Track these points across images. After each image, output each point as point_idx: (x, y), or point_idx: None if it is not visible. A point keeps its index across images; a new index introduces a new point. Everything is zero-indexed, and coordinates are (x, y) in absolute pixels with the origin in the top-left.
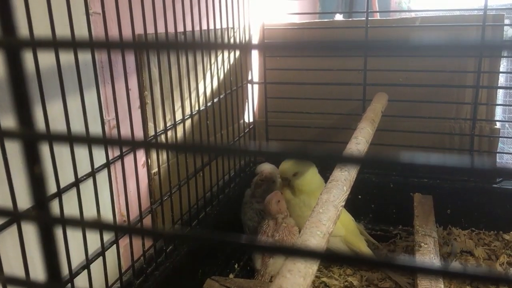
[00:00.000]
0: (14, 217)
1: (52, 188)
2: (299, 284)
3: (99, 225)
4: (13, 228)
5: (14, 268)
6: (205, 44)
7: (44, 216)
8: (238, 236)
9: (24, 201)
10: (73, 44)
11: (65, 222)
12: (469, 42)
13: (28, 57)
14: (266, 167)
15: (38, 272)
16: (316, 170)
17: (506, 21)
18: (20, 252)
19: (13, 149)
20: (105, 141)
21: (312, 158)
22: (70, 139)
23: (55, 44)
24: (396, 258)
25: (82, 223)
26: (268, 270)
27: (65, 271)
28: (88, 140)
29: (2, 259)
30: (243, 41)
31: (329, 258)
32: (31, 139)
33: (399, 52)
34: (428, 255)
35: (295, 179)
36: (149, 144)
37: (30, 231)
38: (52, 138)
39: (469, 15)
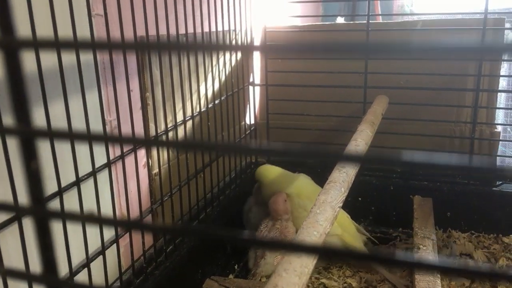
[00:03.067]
0: (12, 211)
1: (53, 187)
2: (294, 283)
3: (94, 219)
4: (14, 228)
5: (14, 266)
6: (206, 45)
7: (40, 210)
8: (237, 232)
9: (25, 200)
10: (75, 45)
11: (61, 215)
12: (469, 44)
13: (30, 58)
14: None
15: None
16: (307, 179)
17: (507, 25)
18: (20, 252)
19: (14, 148)
20: (106, 138)
21: (311, 157)
22: (67, 135)
23: (56, 44)
24: (390, 253)
25: (76, 217)
26: (259, 271)
27: (65, 269)
28: (89, 137)
29: (3, 259)
30: (245, 43)
31: (322, 252)
32: (28, 135)
33: (400, 54)
34: (425, 256)
35: (261, 186)
36: (149, 141)
37: (30, 230)
38: (48, 134)
39: (470, 18)
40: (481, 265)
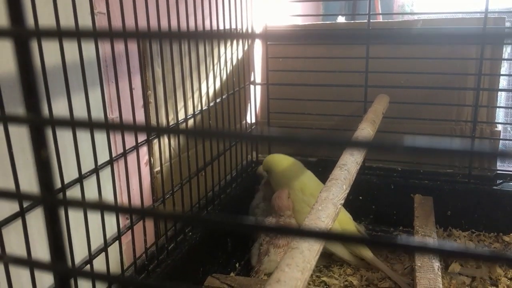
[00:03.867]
0: (22, 198)
1: (55, 184)
2: (296, 278)
3: (102, 206)
4: (18, 224)
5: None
6: (206, 34)
7: (50, 198)
8: (244, 218)
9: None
10: (77, 34)
11: (70, 203)
12: (471, 31)
13: (34, 54)
14: None
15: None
16: (309, 172)
17: (507, 24)
18: (23, 247)
19: (18, 142)
20: (107, 126)
21: (318, 143)
22: (75, 124)
23: (59, 33)
24: (394, 238)
25: (86, 204)
26: (262, 268)
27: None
28: (107, 125)
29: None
30: (246, 42)
31: (328, 237)
32: (39, 124)
33: (401, 41)
34: (427, 255)
35: (270, 176)
36: (152, 129)
37: (34, 226)
38: (58, 123)
39: (470, 18)
40: (481, 249)
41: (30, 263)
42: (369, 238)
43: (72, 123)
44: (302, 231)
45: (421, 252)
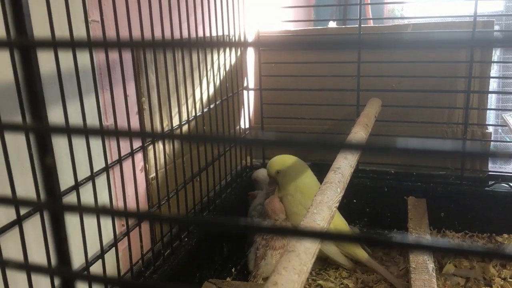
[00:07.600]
0: (28, 205)
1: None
2: (293, 281)
3: (108, 211)
4: (15, 231)
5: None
6: (200, 43)
7: (55, 203)
8: (240, 220)
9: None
10: (72, 44)
11: (74, 208)
12: (460, 37)
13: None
14: (262, 173)
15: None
16: (310, 172)
17: (496, 27)
18: (20, 253)
19: (15, 151)
20: (118, 133)
21: (311, 146)
22: (78, 131)
23: (72, 44)
24: (388, 237)
25: (90, 209)
26: (260, 272)
27: None
28: (102, 132)
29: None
30: (239, 48)
31: (326, 237)
32: (43, 132)
33: (391, 48)
34: (421, 256)
35: (279, 177)
36: (147, 134)
37: (31, 233)
38: (63, 130)
39: (459, 21)
40: (475, 245)
41: (35, 268)
42: (365, 236)
43: (80, 130)
44: (298, 231)
45: (416, 250)
